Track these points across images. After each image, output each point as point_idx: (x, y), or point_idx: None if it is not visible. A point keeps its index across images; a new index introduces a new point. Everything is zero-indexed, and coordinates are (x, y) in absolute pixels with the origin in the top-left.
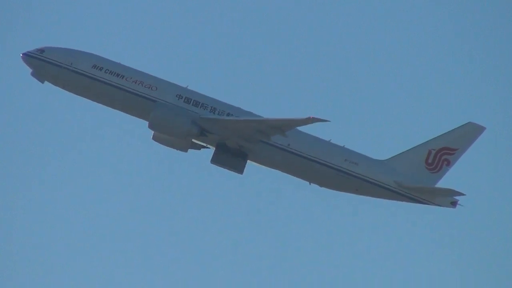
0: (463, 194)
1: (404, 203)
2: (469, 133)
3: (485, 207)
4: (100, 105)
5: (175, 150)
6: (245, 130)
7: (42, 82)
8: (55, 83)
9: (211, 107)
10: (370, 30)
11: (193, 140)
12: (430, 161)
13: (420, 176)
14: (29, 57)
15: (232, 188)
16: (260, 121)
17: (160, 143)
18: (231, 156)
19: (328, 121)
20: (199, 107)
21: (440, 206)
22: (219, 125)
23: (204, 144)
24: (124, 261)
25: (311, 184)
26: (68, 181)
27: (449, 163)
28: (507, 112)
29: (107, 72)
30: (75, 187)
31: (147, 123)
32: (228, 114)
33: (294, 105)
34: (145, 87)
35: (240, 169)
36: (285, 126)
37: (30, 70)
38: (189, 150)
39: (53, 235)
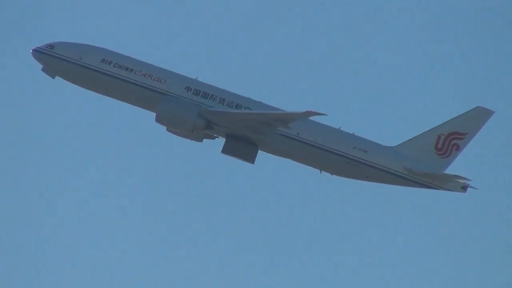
0: (468, 180)
1: (415, 188)
2: (478, 117)
3: (495, 190)
4: (112, 99)
5: (190, 140)
6: (248, 122)
7: (53, 78)
8: (65, 78)
9: (220, 98)
10: (375, 17)
11: (205, 131)
12: (439, 146)
13: (430, 162)
14: (39, 53)
15: (243, 178)
16: (259, 114)
17: (175, 134)
18: (241, 146)
19: (325, 114)
20: (208, 98)
21: (451, 191)
22: (224, 118)
23: (215, 135)
24: (138, 249)
25: (322, 172)
26: (80, 173)
27: (458, 148)
28: None
29: (116, 66)
30: (87, 179)
31: None
32: (237, 105)
33: (305, 94)
34: (154, 80)
35: (251, 159)
36: (284, 119)
37: (41, 66)
38: (204, 140)
39: (64, 223)
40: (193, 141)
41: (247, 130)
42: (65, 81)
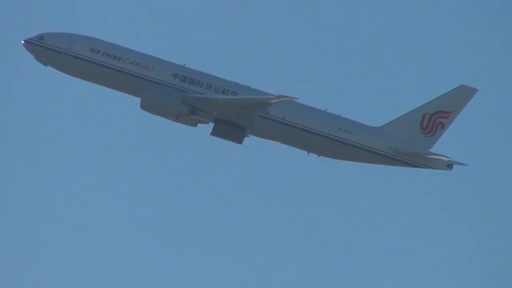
0: (449, 158)
1: (401, 167)
2: (462, 95)
3: (481, 167)
4: (102, 87)
5: (185, 125)
6: (229, 107)
7: (46, 66)
8: (56, 67)
9: (207, 84)
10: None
11: (192, 117)
12: (424, 125)
13: (416, 141)
14: (30, 44)
15: (232, 159)
16: (236, 99)
17: (170, 120)
18: (229, 129)
19: (296, 98)
20: (195, 84)
21: (437, 169)
22: (204, 103)
23: (204, 120)
24: (132, 235)
25: (310, 153)
26: (73, 160)
27: (443, 126)
28: (498, 73)
29: (104, 55)
30: (80, 166)
31: None
32: (224, 90)
33: (292, 77)
34: (141, 67)
35: (239, 140)
36: (260, 103)
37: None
38: (198, 125)
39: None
40: (188, 126)
41: (230, 115)
42: (56, 70)
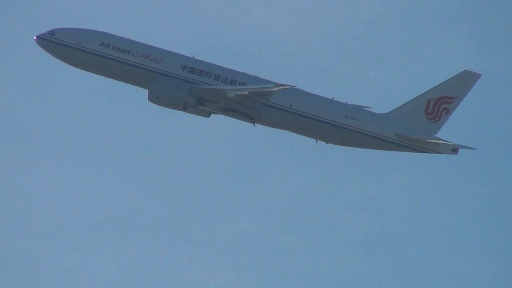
0: (449, 142)
1: (407, 153)
2: (466, 80)
3: (486, 151)
4: (114, 80)
5: (198, 116)
6: (232, 97)
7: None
8: (67, 62)
9: (215, 75)
10: None
11: (199, 107)
12: (429, 111)
13: (421, 126)
14: (42, 40)
15: (243, 153)
16: (238, 89)
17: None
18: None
19: (295, 86)
20: (203, 76)
21: (442, 153)
22: (210, 94)
23: (213, 111)
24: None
25: (318, 141)
26: (86, 149)
27: (448, 112)
28: (502, 58)
29: (114, 49)
30: (93, 155)
31: None
32: (232, 81)
33: (299, 67)
34: (151, 60)
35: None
36: (261, 93)
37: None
38: (211, 115)
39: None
40: (200, 117)
41: (236, 105)
42: (67, 65)
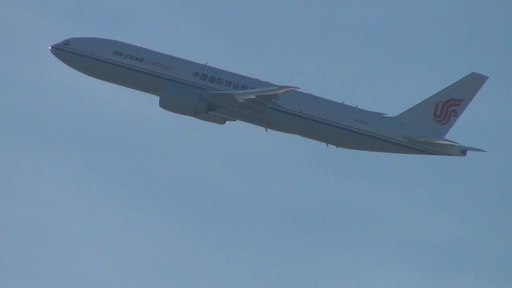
0: (456, 143)
1: (416, 155)
2: (473, 83)
3: (493, 153)
4: (127, 88)
5: (213, 123)
6: (242, 101)
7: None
8: (81, 70)
9: (227, 81)
10: None
11: (210, 113)
12: (438, 113)
13: (430, 129)
14: (56, 50)
15: (253, 157)
16: (244, 93)
17: (198, 119)
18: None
19: (298, 88)
20: (215, 82)
21: (451, 155)
22: (220, 99)
23: (227, 117)
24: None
25: (328, 145)
26: (100, 156)
27: (456, 114)
28: (509, 60)
29: (127, 57)
30: (107, 162)
31: None
32: (243, 86)
33: (310, 71)
34: (163, 68)
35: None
36: (266, 96)
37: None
38: (226, 122)
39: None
40: (215, 124)
41: (245, 109)
42: (81, 73)
